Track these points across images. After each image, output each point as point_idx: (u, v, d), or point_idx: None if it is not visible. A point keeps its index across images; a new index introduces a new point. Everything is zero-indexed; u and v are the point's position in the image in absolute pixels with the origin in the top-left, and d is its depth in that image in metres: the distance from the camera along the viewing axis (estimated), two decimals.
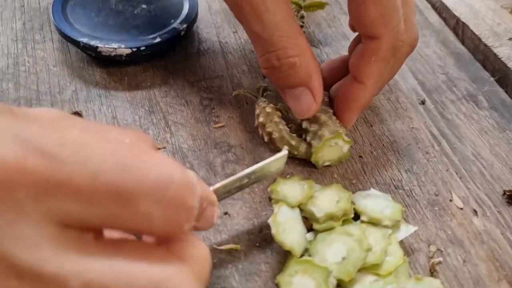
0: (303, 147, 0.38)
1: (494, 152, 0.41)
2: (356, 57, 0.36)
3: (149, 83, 0.43)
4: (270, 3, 0.33)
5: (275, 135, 0.37)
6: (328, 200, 0.35)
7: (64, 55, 0.45)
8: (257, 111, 0.39)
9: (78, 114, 0.41)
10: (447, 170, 0.39)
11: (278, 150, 0.38)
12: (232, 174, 0.32)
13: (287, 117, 0.40)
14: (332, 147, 0.37)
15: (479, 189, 0.38)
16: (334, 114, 0.38)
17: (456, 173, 0.39)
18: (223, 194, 0.31)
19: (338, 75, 0.40)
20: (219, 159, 0.39)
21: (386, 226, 0.34)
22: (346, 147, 0.37)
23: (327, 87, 0.40)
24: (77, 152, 0.19)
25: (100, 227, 0.21)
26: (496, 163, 0.40)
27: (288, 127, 0.38)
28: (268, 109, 0.38)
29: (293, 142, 0.38)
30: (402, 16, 0.35)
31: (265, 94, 0.41)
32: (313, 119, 0.37)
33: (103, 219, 0.20)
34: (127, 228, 0.21)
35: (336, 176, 0.38)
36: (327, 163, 0.38)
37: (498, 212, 0.37)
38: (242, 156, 0.39)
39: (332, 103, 0.39)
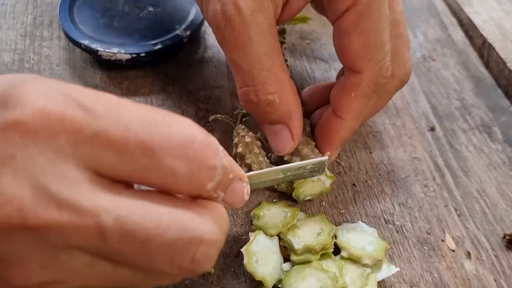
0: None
1: (500, 190, 0.38)
2: (337, 90, 0.34)
3: (147, 89, 0.43)
4: (255, 33, 0.31)
5: (255, 167, 0.35)
6: (309, 231, 0.33)
7: (69, 54, 0.45)
8: (235, 140, 0.37)
9: None
10: (445, 206, 0.37)
11: None
12: None
13: (267, 146, 0.37)
14: (314, 182, 0.35)
15: (478, 229, 0.36)
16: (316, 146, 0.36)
17: (455, 210, 0.37)
18: (256, 184, 0.30)
19: (319, 102, 0.38)
20: None
21: (366, 265, 0.32)
22: (328, 182, 0.36)
23: (307, 113, 0.38)
24: (111, 108, 0.22)
25: (129, 180, 0.22)
26: (501, 203, 0.37)
27: (268, 157, 0.36)
28: (248, 139, 0.36)
29: None
30: (390, 51, 0.33)
31: (244, 120, 0.38)
32: (295, 152, 0.35)
33: (132, 171, 0.22)
34: (154, 183, 0.22)
35: (324, 204, 0.36)
36: (308, 198, 0.36)
37: (495, 256, 0.35)
38: None
39: (314, 132, 0.37)
